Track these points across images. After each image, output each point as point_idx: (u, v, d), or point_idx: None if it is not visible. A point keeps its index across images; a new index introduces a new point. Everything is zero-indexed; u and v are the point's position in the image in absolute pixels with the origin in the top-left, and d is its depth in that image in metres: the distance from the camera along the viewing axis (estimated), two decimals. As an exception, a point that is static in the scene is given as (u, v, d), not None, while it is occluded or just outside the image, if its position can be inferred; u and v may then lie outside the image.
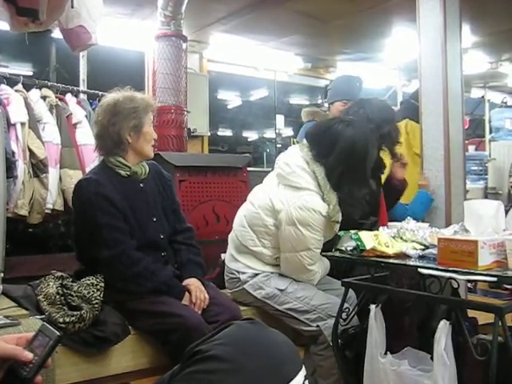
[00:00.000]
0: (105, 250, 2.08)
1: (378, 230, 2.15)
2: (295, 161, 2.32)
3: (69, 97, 3.97)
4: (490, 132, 7.96)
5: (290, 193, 2.27)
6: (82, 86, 4.65)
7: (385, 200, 2.84)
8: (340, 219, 2.26)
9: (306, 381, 0.89)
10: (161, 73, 3.95)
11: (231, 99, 7.48)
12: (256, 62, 6.12)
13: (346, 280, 2.12)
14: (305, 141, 2.42)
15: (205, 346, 0.87)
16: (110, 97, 2.24)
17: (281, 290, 2.29)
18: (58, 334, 0.97)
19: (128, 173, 2.24)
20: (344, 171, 2.24)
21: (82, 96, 4.25)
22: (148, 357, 2.10)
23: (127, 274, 2.07)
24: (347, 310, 2.11)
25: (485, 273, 1.62)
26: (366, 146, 2.28)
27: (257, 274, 2.35)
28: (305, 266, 2.26)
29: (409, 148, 4.26)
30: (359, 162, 2.26)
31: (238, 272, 2.39)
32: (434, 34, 2.93)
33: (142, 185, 2.27)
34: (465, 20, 3.19)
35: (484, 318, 2.19)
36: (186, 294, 2.14)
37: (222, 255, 2.58)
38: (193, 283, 2.19)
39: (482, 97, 8.29)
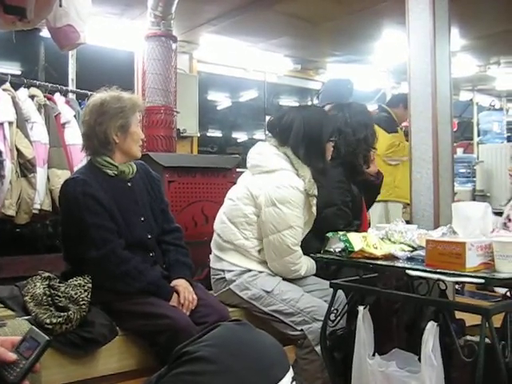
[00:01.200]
0: (93, 249, 2.06)
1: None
2: (265, 149, 2.46)
3: (57, 96, 3.95)
4: (478, 135, 8.03)
5: (266, 176, 2.36)
6: (71, 86, 4.63)
7: (366, 197, 2.96)
8: (316, 193, 2.35)
9: (294, 382, 0.89)
10: (150, 73, 3.93)
11: (221, 100, 7.46)
12: (246, 63, 6.12)
13: (334, 281, 2.12)
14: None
15: (192, 348, 0.86)
16: (97, 96, 2.23)
17: (267, 292, 2.29)
18: (47, 338, 0.96)
19: (115, 172, 2.22)
20: (307, 148, 2.38)
21: (71, 95, 4.21)
22: (135, 358, 2.09)
23: (116, 273, 2.06)
24: (335, 311, 2.11)
25: (472, 274, 1.63)
26: (319, 123, 2.43)
27: (243, 273, 2.34)
28: (289, 246, 2.28)
29: None
30: (317, 138, 2.41)
31: (223, 271, 2.39)
32: (423, 37, 2.94)
33: (129, 184, 2.26)
34: (454, 23, 3.21)
35: (471, 319, 2.20)
36: (175, 294, 2.13)
37: (211, 256, 2.57)
38: (181, 284, 2.18)
39: (471, 100, 8.35)
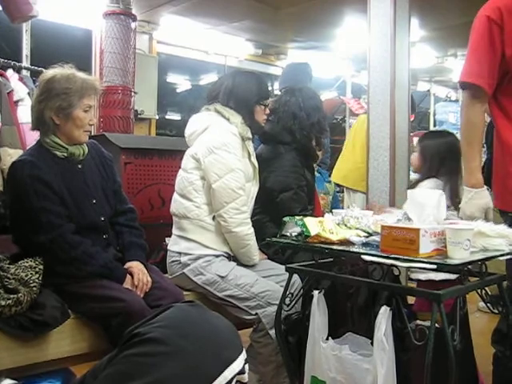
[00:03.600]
0: (41, 234, 2.00)
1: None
2: (195, 116, 2.54)
3: (10, 73, 3.80)
4: (435, 125, 8.20)
5: (202, 136, 2.42)
6: (25, 62, 4.47)
7: None
8: (250, 136, 2.46)
9: (246, 364, 0.89)
10: (108, 52, 3.86)
11: (180, 83, 7.37)
12: (206, 45, 6.06)
13: (290, 266, 2.13)
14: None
15: (143, 329, 0.85)
16: (50, 72, 2.13)
17: (221, 277, 2.28)
18: None
19: (65, 154, 2.14)
20: (235, 103, 2.45)
21: (25, 72, 4.08)
22: (88, 341, 2.06)
23: (66, 259, 2.01)
24: (290, 295, 2.12)
25: (425, 260, 1.65)
26: (249, 83, 2.52)
27: (198, 258, 2.33)
28: (233, 190, 2.31)
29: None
30: (244, 96, 2.47)
31: (180, 254, 2.37)
32: (383, 26, 2.96)
33: (80, 166, 2.18)
34: (413, 14, 3.24)
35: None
36: (128, 276, 2.10)
37: (167, 239, 2.55)
38: (135, 266, 2.14)
39: (428, 90, 8.51)
